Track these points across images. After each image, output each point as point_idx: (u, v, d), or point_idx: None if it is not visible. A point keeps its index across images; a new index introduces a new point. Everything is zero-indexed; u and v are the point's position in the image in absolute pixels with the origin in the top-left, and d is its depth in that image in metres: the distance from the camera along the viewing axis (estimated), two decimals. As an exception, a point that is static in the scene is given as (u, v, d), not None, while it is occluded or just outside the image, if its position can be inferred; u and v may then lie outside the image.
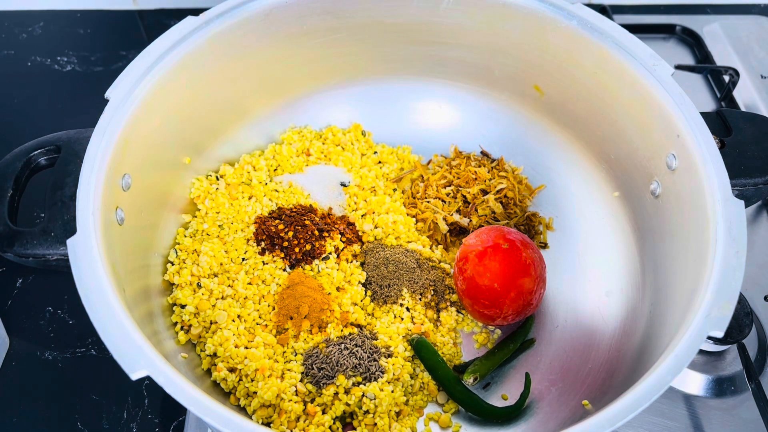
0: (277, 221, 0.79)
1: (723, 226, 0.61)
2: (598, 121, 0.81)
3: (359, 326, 0.75)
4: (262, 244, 0.78)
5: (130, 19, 1.19)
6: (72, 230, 0.59)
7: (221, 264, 0.77)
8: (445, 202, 0.85)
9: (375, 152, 0.90)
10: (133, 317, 0.56)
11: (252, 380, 0.70)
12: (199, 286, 0.75)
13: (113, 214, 0.65)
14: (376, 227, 0.83)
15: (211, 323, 0.73)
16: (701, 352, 0.78)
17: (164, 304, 0.74)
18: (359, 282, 0.78)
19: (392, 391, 0.70)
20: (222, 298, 0.75)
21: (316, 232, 0.79)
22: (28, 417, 0.75)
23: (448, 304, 0.79)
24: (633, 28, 0.77)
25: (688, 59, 1.15)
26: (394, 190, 0.88)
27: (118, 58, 1.13)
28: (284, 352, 0.72)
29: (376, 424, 0.68)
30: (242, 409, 0.70)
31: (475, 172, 0.86)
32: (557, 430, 0.65)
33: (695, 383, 0.77)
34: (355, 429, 0.69)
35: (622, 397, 0.53)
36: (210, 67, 0.77)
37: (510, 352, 0.75)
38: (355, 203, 0.85)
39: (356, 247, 0.80)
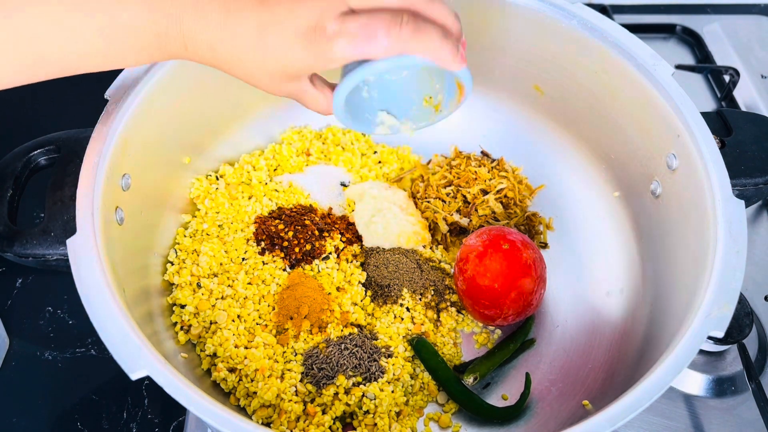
0: (277, 221, 0.79)
1: (723, 226, 0.61)
2: (599, 121, 0.81)
3: (359, 326, 0.75)
4: (262, 244, 0.78)
5: (130, 19, 1.19)
6: (72, 230, 0.59)
7: (221, 264, 0.77)
8: (445, 202, 0.84)
9: (375, 152, 0.90)
10: (132, 317, 0.56)
11: (252, 380, 0.70)
12: (198, 286, 0.75)
13: (113, 214, 0.65)
14: (376, 227, 0.83)
15: (210, 323, 0.73)
16: (701, 352, 0.78)
17: (164, 304, 0.74)
18: (359, 282, 0.77)
19: (392, 391, 0.70)
20: (222, 298, 0.75)
21: (316, 232, 0.79)
22: (28, 417, 0.75)
23: (448, 304, 0.78)
24: (633, 28, 0.77)
25: (689, 59, 1.15)
26: (394, 190, 0.88)
27: (118, 58, 1.13)
28: (284, 352, 0.72)
29: (376, 424, 0.68)
30: (242, 410, 0.70)
31: (475, 172, 0.85)
32: (557, 430, 0.65)
33: (695, 383, 0.77)
34: (355, 429, 0.69)
35: (622, 397, 0.53)
36: (210, 67, 0.77)
37: (510, 352, 0.75)
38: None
39: (356, 247, 0.80)
